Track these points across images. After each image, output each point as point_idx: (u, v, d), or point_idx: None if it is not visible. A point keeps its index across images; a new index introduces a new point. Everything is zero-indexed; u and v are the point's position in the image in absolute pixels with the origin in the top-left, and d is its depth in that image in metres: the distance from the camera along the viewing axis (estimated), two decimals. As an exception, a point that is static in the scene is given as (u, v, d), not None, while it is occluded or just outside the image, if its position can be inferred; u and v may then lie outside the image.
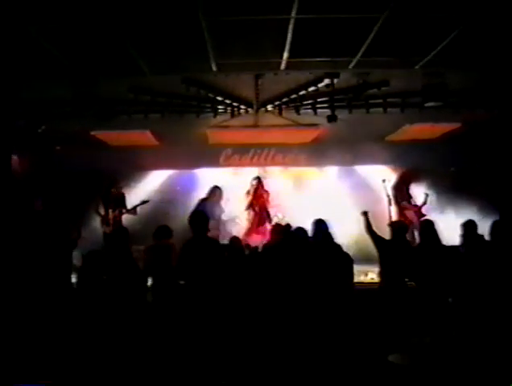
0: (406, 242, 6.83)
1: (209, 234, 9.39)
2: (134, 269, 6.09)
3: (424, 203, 10.14)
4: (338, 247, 6.44)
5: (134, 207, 9.80)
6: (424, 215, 9.78)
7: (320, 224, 6.49)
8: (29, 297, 5.89)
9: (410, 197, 10.28)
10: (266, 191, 10.42)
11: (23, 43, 5.91)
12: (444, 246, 6.50)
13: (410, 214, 9.99)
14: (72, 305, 5.84)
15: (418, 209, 10.07)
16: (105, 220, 9.72)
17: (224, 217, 10.67)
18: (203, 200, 10.06)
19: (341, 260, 6.36)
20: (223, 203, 10.35)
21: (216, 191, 10.25)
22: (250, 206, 10.21)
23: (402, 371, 5.13)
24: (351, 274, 6.46)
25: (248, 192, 10.31)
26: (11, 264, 6.38)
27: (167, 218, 9.10)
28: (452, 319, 5.85)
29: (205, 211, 9.73)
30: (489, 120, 8.98)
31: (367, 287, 7.10)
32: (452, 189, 10.54)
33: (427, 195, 10.16)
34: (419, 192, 10.36)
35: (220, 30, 5.69)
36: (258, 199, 10.25)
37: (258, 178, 10.42)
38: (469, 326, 5.63)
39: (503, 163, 9.98)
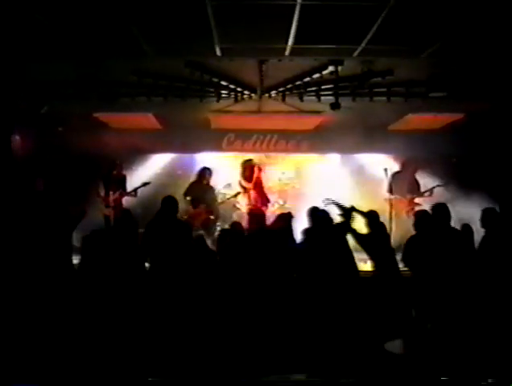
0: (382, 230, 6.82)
1: (201, 218, 9.53)
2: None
3: (423, 193, 10.06)
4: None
5: (135, 190, 9.80)
6: (418, 205, 9.78)
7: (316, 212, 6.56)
8: (29, 279, 5.89)
9: (414, 186, 10.22)
10: (260, 170, 10.31)
11: (27, 24, 5.87)
12: (443, 235, 6.50)
13: (400, 203, 9.94)
14: (74, 287, 5.87)
15: (411, 199, 10.01)
16: (105, 203, 9.72)
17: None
18: (192, 183, 10.11)
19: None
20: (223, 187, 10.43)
21: (205, 173, 10.23)
22: (248, 190, 10.10)
23: (399, 360, 5.18)
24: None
25: (246, 178, 10.18)
26: (12, 245, 6.40)
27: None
28: (451, 308, 5.87)
29: (195, 195, 9.92)
30: (492, 111, 8.96)
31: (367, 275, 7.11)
32: (454, 179, 10.52)
33: (434, 187, 10.06)
34: (428, 182, 10.34)
35: (226, 14, 5.64)
36: (258, 183, 10.18)
37: (252, 161, 10.35)
38: (469, 316, 5.65)
39: (505, 155, 9.96)
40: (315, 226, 6.49)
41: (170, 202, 6.65)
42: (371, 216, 6.79)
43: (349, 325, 5.87)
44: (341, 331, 5.79)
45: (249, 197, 10.05)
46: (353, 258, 6.49)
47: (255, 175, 10.13)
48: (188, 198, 9.93)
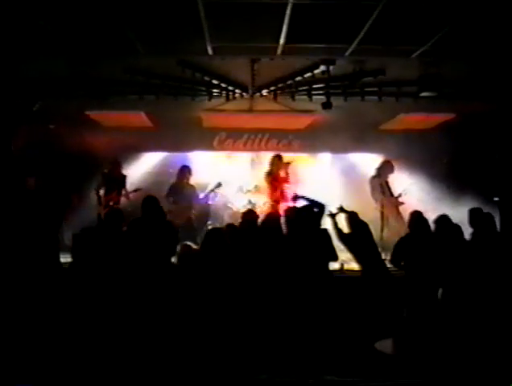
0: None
1: (183, 215, 9.45)
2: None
3: (398, 197, 9.96)
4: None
5: (127, 193, 9.77)
6: (402, 203, 9.75)
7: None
8: (19, 279, 5.86)
9: (388, 188, 10.16)
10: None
11: (19, 22, 5.86)
12: (435, 236, 6.52)
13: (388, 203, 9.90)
14: (63, 285, 5.83)
15: (395, 199, 9.96)
16: (104, 203, 9.62)
17: (215, 202, 10.65)
18: (173, 184, 10.13)
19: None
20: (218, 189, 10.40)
21: (185, 171, 10.22)
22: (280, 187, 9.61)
23: (389, 360, 5.19)
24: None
25: (276, 175, 9.63)
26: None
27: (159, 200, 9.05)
28: (443, 308, 5.89)
29: (177, 195, 9.87)
30: (483, 111, 9.00)
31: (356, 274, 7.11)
32: (445, 180, 10.56)
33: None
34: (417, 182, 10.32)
35: (217, 13, 5.65)
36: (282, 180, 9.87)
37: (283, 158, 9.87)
38: (461, 316, 5.67)
39: (497, 155, 10.01)
40: (302, 226, 6.48)
41: (149, 202, 6.58)
42: (351, 216, 6.80)
43: (339, 325, 5.88)
44: (331, 331, 5.80)
45: (276, 194, 9.49)
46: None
47: (288, 171, 9.74)
48: (171, 199, 9.91)
